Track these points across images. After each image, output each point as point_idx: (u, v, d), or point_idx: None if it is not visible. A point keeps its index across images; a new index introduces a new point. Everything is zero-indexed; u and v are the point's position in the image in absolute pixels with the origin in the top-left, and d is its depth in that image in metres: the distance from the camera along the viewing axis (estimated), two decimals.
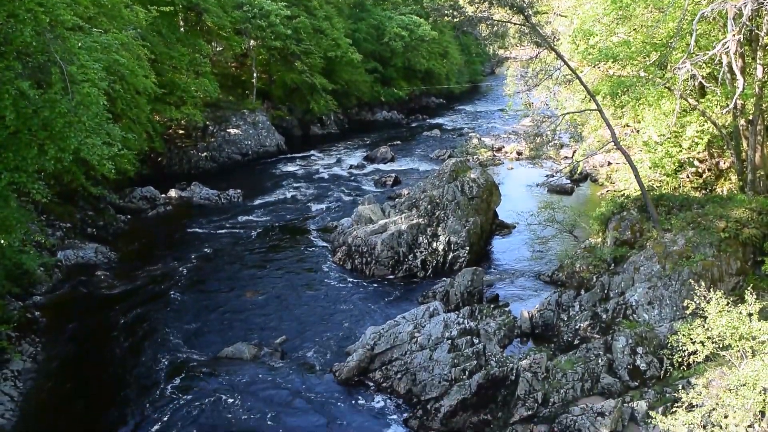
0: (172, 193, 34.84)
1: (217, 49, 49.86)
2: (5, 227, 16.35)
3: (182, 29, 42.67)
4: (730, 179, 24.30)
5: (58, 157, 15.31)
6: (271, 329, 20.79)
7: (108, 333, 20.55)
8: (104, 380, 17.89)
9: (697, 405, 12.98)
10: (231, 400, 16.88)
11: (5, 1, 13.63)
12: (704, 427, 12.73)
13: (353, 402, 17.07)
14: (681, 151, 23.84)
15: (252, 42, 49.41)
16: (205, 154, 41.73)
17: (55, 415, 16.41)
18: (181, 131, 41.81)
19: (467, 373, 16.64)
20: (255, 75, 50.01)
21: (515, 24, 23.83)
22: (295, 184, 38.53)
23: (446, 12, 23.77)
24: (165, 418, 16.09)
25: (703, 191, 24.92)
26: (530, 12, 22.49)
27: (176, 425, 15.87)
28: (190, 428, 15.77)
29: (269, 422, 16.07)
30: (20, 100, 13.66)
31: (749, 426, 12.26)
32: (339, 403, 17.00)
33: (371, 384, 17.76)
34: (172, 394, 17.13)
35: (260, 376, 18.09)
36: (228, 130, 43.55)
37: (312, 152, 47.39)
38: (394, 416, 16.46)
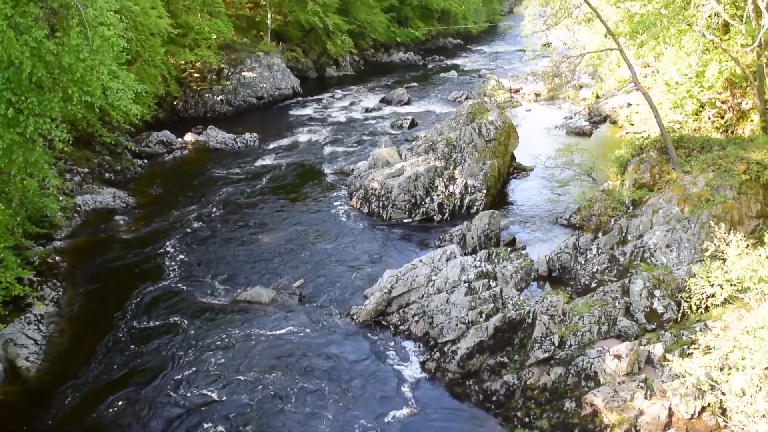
0: (189, 137, 34.79)
1: None
2: (32, 171, 16.44)
3: None
4: (752, 120, 23.83)
5: (85, 102, 15.27)
6: (288, 273, 20.95)
7: (127, 277, 20.79)
8: (125, 324, 18.16)
9: (714, 347, 13.02)
10: (249, 344, 17.13)
11: None
12: (721, 369, 12.78)
13: (371, 344, 17.27)
14: (703, 90, 23.36)
15: None
16: (220, 97, 41.47)
17: (77, 359, 16.69)
18: (196, 74, 41.48)
19: (484, 316, 16.75)
20: (269, 16, 49.27)
21: None
22: (311, 128, 38.31)
23: None
24: (184, 363, 16.35)
25: (725, 133, 24.50)
26: None
27: (195, 369, 16.13)
28: (210, 371, 16.05)
29: (286, 364, 16.31)
30: (38, 47, 13.52)
31: (766, 368, 12.28)
32: (356, 346, 17.22)
33: (388, 327, 17.94)
34: (191, 338, 17.40)
35: (278, 319, 18.32)
36: (243, 73, 43.15)
37: (328, 95, 46.97)
38: (411, 358, 16.66)
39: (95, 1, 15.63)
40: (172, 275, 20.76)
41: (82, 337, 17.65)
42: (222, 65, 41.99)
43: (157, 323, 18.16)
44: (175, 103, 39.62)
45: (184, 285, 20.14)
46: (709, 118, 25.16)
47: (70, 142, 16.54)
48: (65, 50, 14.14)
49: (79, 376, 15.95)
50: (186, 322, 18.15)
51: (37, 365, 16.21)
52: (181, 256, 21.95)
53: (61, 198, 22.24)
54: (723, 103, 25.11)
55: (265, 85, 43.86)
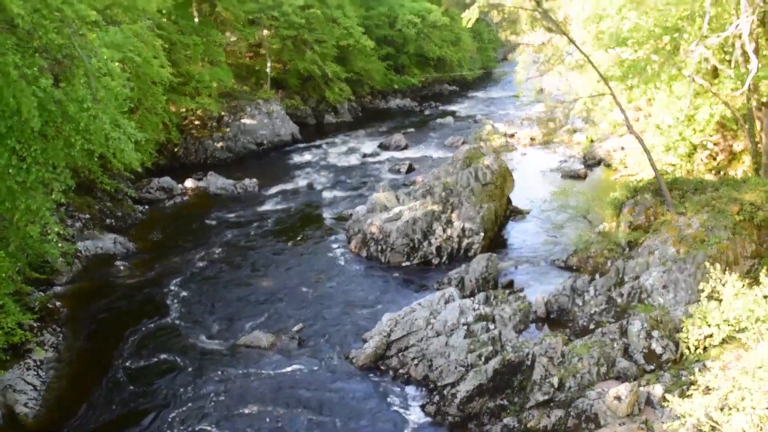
0: (189, 183, 35.11)
1: (231, 39, 49.96)
2: (34, 218, 16.61)
3: (196, 19, 42.86)
4: (743, 162, 24.20)
5: (87, 150, 15.50)
6: (288, 317, 20.99)
7: (127, 322, 20.80)
8: (124, 369, 18.15)
9: (713, 388, 13.04)
10: (249, 388, 17.12)
11: None
12: (721, 409, 12.79)
13: (370, 388, 17.26)
14: (694, 133, 23.75)
15: (265, 32, 49.49)
16: (220, 144, 41.91)
17: (76, 404, 16.65)
18: (196, 122, 42.01)
19: (483, 358, 16.78)
20: (269, 64, 50.09)
21: (527, 9, 23.75)
22: (309, 173, 38.69)
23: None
24: (184, 407, 16.33)
25: (717, 174, 24.83)
26: None
27: (195, 413, 16.11)
28: (210, 416, 16.02)
29: (286, 409, 16.28)
30: (44, 97, 13.80)
31: (767, 408, 12.29)
32: (356, 390, 17.20)
33: (388, 370, 17.93)
34: (191, 384, 17.38)
35: (278, 363, 18.32)
36: (243, 120, 43.67)
37: (326, 141, 47.44)
38: (411, 402, 16.63)
39: (99, 52, 16.02)
40: (171, 320, 20.80)
41: (82, 383, 17.62)
42: (222, 112, 42.54)
43: (157, 367, 18.15)
44: (175, 149, 40.02)
45: (183, 330, 20.18)
46: (702, 160, 25.53)
47: (72, 189, 16.71)
48: (69, 100, 14.43)
49: (77, 420, 15.91)
50: (185, 366, 18.15)
51: (36, 411, 16.15)
52: (181, 301, 22.02)
53: (61, 244, 22.37)
54: (715, 145, 25.51)
55: (264, 132, 44.36)
